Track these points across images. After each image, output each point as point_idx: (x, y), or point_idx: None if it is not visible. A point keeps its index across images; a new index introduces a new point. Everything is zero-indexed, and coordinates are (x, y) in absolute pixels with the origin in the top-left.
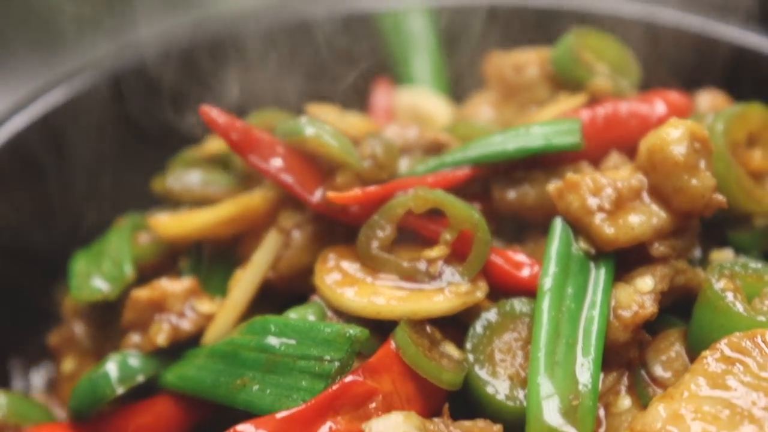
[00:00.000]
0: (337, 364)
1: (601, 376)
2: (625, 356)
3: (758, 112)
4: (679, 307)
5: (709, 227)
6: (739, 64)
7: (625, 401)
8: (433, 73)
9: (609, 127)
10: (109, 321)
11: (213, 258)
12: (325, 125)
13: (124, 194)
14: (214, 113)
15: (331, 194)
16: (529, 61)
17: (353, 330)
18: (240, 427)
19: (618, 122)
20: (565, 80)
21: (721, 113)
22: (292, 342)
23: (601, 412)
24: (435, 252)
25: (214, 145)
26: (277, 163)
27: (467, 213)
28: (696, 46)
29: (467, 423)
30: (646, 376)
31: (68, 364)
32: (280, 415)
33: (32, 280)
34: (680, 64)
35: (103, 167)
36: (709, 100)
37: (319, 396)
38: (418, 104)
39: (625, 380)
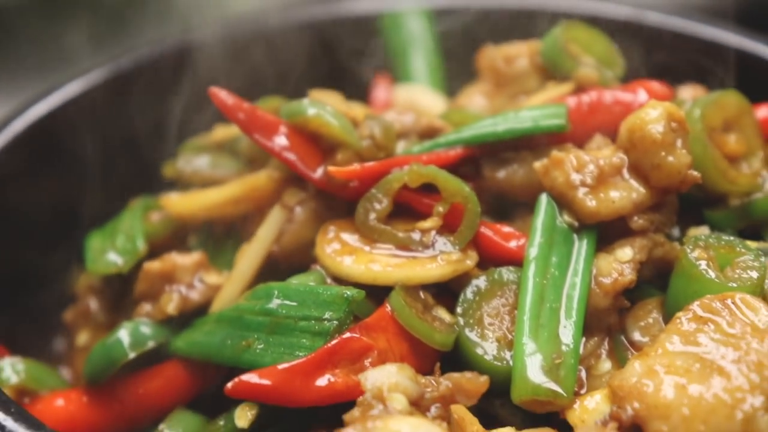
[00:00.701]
0: (335, 322)
1: (583, 340)
2: (606, 322)
3: (734, 99)
4: (657, 280)
5: (687, 207)
6: (720, 61)
7: (606, 364)
8: (429, 71)
9: (593, 112)
10: (121, 296)
11: (221, 236)
12: (327, 106)
13: (137, 180)
14: (222, 95)
15: (332, 169)
16: (519, 53)
17: (350, 291)
18: (244, 376)
19: (602, 108)
20: (553, 71)
21: (698, 100)
22: (294, 304)
23: (583, 374)
24: (428, 223)
25: (221, 132)
26: (281, 141)
27: (458, 186)
28: (680, 46)
29: (456, 375)
30: (625, 341)
31: (83, 337)
32: (281, 366)
33: (49, 264)
34: (664, 64)
35: (118, 155)
36: (690, 92)
37: (319, 350)
38: (415, 99)
39: (605, 345)
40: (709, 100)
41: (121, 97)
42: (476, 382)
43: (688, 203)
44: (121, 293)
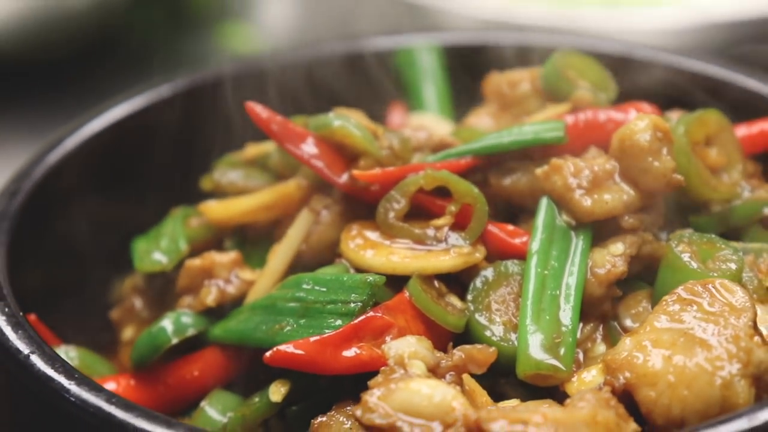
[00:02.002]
0: (360, 304)
1: (580, 325)
2: (600, 309)
3: (714, 117)
4: (646, 275)
5: (673, 213)
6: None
7: (601, 347)
8: (439, 100)
9: (588, 129)
10: (163, 295)
11: (253, 240)
12: (351, 119)
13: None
14: (258, 108)
15: (356, 172)
16: (521, 78)
17: (372, 277)
18: (281, 346)
19: (596, 125)
20: (552, 94)
21: (682, 117)
22: (322, 290)
23: (581, 357)
24: (442, 221)
25: (253, 150)
26: (310, 149)
27: (468, 188)
28: (668, 78)
29: (467, 346)
30: (618, 326)
31: (128, 332)
32: (313, 339)
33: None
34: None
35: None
36: (676, 116)
37: (346, 326)
38: (427, 127)
39: (600, 330)
40: (692, 118)
41: (161, 121)
42: (486, 353)
43: (675, 209)
44: (163, 292)
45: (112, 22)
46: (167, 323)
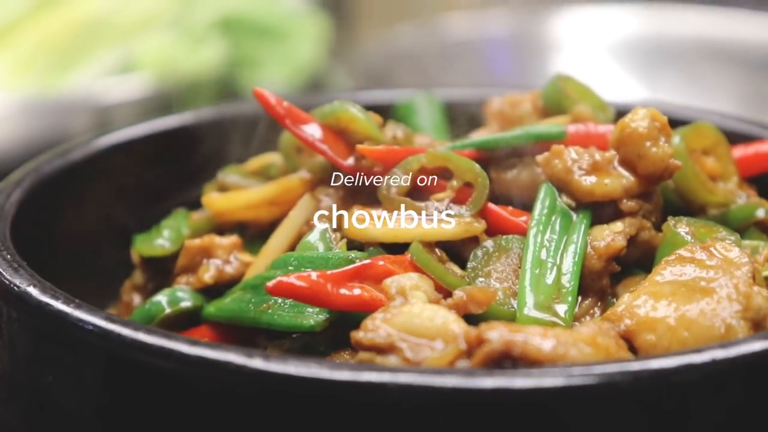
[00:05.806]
0: None
1: (579, 298)
2: (599, 284)
3: (710, 130)
4: (644, 263)
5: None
6: None
7: None
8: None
9: (588, 138)
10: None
11: (254, 238)
12: (356, 105)
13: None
14: (266, 93)
15: (361, 147)
16: (523, 99)
17: (354, 254)
18: (283, 278)
19: (595, 136)
20: (552, 111)
21: (678, 129)
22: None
23: None
24: (443, 194)
25: (255, 163)
26: (315, 133)
27: (470, 165)
28: None
29: (468, 286)
30: (616, 303)
31: None
32: (315, 273)
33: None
34: None
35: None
36: None
37: (348, 267)
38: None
39: (599, 305)
40: (689, 127)
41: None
42: (486, 292)
43: (674, 212)
44: (162, 287)
45: None
46: (162, 297)
